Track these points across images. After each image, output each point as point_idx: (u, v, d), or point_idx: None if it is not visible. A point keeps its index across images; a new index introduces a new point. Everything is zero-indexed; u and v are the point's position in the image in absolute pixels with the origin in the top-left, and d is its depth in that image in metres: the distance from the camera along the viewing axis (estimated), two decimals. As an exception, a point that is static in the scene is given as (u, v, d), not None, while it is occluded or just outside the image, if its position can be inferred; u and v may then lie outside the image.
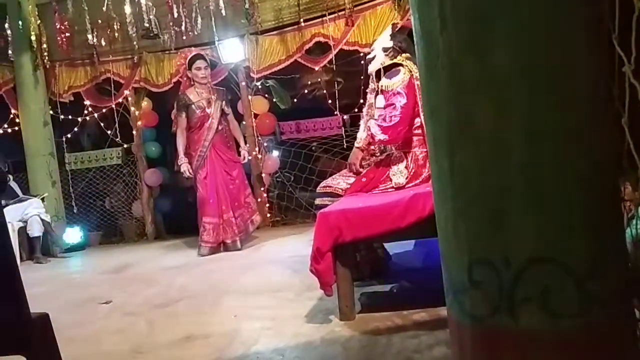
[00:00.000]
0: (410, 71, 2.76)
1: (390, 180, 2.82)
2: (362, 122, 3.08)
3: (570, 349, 1.14)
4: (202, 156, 4.74)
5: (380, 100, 2.84)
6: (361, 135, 2.98)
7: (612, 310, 1.15)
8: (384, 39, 3.00)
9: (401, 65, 2.81)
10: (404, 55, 2.89)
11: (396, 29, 3.00)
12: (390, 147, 2.89)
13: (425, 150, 2.73)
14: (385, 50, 2.94)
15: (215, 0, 5.23)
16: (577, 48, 1.15)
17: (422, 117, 2.69)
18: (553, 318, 1.13)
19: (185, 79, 4.98)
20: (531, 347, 1.15)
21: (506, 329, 1.16)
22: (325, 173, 5.53)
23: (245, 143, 5.21)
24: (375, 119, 2.81)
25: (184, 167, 4.74)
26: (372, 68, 2.98)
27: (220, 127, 4.82)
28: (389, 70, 2.84)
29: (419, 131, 2.79)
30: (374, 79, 2.93)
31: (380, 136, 2.76)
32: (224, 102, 4.90)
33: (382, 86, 2.83)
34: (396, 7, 4.78)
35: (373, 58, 2.99)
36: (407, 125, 2.75)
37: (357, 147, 2.97)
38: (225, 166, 4.81)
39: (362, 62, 4.97)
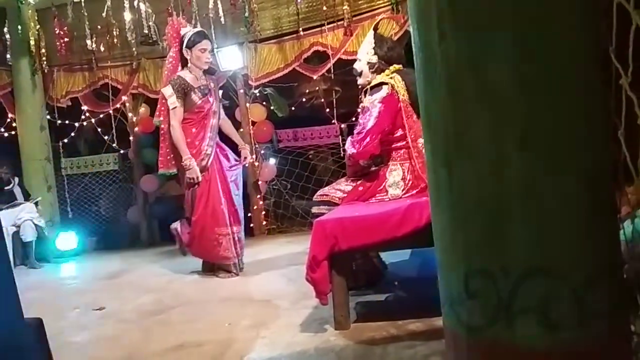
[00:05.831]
0: (393, 87, 2.74)
1: (387, 191, 2.82)
2: None
3: (567, 361, 1.13)
4: (209, 154, 3.90)
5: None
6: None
7: (609, 322, 1.15)
8: (367, 51, 2.92)
9: (386, 83, 2.78)
10: (392, 67, 2.86)
11: (377, 38, 2.93)
12: (379, 159, 2.86)
13: (422, 161, 2.71)
14: (371, 66, 2.90)
15: (214, 8, 5.24)
16: (575, 61, 1.16)
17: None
18: (551, 330, 1.12)
19: (174, 56, 4.00)
20: (528, 359, 1.14)
21: (503, 341, 1.16)
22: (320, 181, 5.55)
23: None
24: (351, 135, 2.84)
25: (196, 172, 3.81)
26: (360, 82, 2.98)
27: (220, 122, 4.08)
28: (374, 88, 2.83)
29: (403, 143, 2.79)
30: (363, 96, 2.93)
31: (350, 150, 2.79)
32: (221, 92, 4.21)
33: (363, 103, 2.87)
34: (395, 13, 4.80)
35: (360, 73, 2.94)
36: (375, 138, 2.70)
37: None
38: (229, 168, 4.03)
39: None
